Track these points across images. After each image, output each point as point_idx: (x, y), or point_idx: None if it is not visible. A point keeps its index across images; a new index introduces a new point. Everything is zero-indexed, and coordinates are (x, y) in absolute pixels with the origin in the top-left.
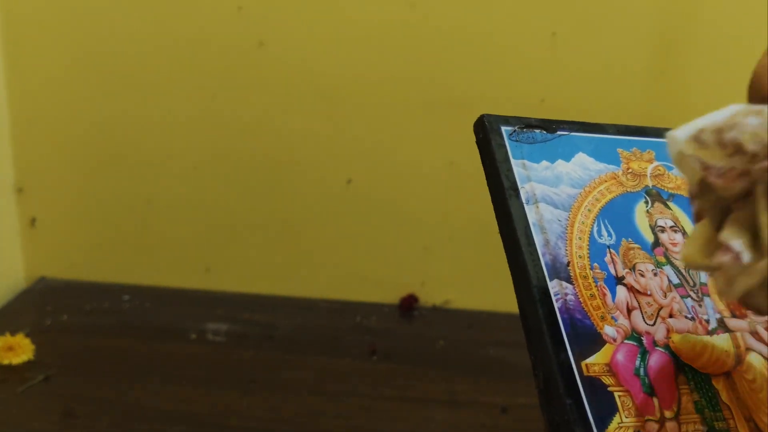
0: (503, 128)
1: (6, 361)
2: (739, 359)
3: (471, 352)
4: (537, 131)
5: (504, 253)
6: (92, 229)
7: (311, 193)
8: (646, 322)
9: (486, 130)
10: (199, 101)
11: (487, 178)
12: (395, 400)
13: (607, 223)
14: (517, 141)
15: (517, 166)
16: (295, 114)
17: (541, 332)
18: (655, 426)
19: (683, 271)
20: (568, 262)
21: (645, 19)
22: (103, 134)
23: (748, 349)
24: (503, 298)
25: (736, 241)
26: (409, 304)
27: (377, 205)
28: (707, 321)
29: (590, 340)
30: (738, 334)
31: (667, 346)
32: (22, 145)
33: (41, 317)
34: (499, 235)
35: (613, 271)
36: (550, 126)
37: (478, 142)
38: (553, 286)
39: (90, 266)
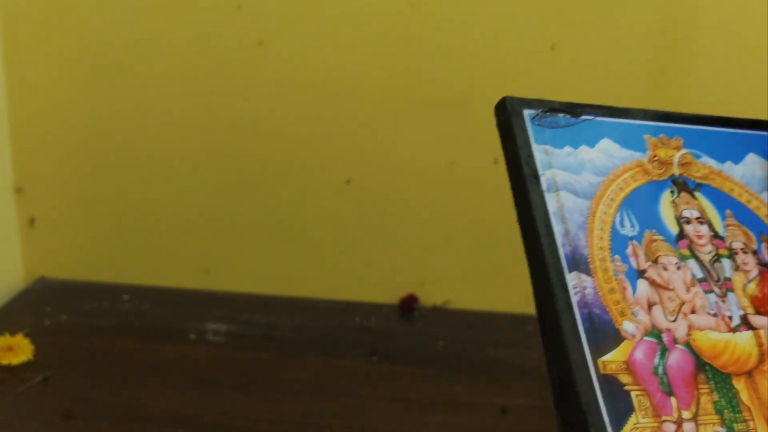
0: (525, 111)
1: (5, 362)
2: (762, 358)
3: (471, 352)
4: (561, 115)
5: (504, 254)
6: (91, 229)
7: (311, 193)
8: (667, 318)
9: (507, 113)
10: (198, 101)
11: (506, 164)
12: (395, 400)
13: (630, 213)
14: (539, 125)
15: (538, 151)
16: (295, 113)
17: (558, 327)
18: (672, 427)
19: (707, 264)
20: (589, 254)
21: (645, 20)
22: (102, 134)
23: None
24: (504, 299)
25: None
26: (409, 304)
27: (377, 205)
28: (730, 318)
29: (608, 336)
30: (762, 332)
31: (687, 344)
32: (22, 145)
33: (40, 317)
34: (500, 235)
35: (634, 264)
36: (574, 110)
37: (498, 125)
38: (572, 278)
39: (89, 266)
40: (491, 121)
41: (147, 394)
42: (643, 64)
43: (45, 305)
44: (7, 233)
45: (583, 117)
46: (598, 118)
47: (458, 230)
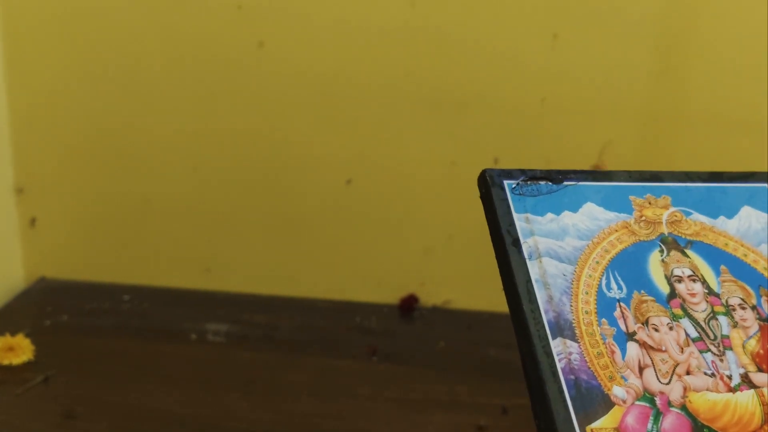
0: (506, 182)
1: (6, 362)
2: (767, 418)
3: (471, 352)
4: (542, 183)
5: None
6: (92, 229)
7: (311, 194)
8: (660, 381)
9: (488, 185)
10: (198, 101)
11: (490, 234)
12: (395, 400)
13: (617, 275)
14: (520, 194)
15: (520, 220)
16: (295, 114)
17: (544, 395)
18: None
19: (702, 323)
20: (574, 319)
21: (646, 19)
22: (102, 134)
23: None
24: (503, 299)
25: None
26: (409, 304)
27: (377, 205)
28: (729, 377)
29: (597, 402)
30: (765, 390)
31: (683, 407)
32: (22, 145)
33: (41, 318)
34: None
35: (623, 327)
36: (556, 177)
37: (481, 197)
38: (556, 345)
39: (90, 266)
40: (491, 121)
41: (147, 394)
42: (645, 52)
43: (45, 305)
44: (8, 233)
45: (565, 183)
46: (581, 183)
47: (458, 230)
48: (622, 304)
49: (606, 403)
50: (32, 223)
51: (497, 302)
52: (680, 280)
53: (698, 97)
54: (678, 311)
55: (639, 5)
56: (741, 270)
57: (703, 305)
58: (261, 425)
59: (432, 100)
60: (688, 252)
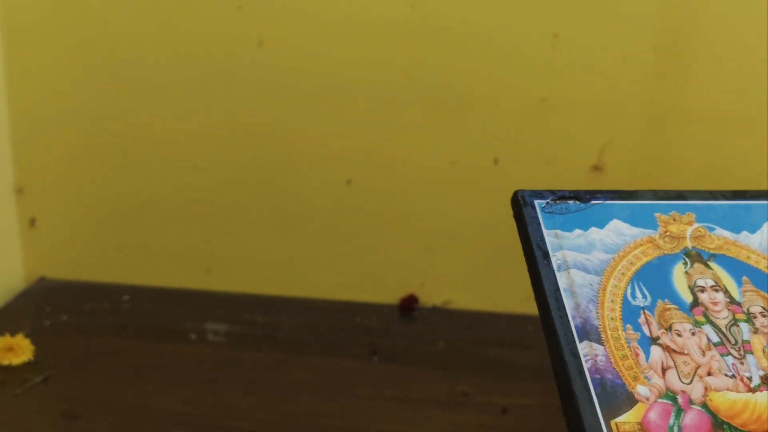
0: (536, 201)
1: (5, 362)
2: None
3: (471, 352)
4: (570, 202)
5: (504, 254)
6: (92, 229)
7: (311, 194)
8: (682, 381)
9: (519, 205)
10: (198, 101)
11: (522, 249)
12: (395, 400)
13: (641, 285)
14: (550, 212)
15: (549, 236)
16: (295, 114)
17: (571, 391)
18: None
19: (724, 329)
20: (600, 325)
21: (646, 18)
22: (103, 134)
23: None
24: (504, 299)
25: None
26: (409, 304)
27: (377, 205)
28: (749, 378)
29: (621, 399)
30: None
31: (704, 405)
32: (22, 145)
33: (41, 318)
34: (500, 235)
35: (647, 332)
36: (584, 196)
37: (514, 216)
38: (583, 347)
39: (90, 266)
40: (491, 121)
41: (147, 394)
42: (646, 51)
43: (45, 305)
44: (8, 233)
45: (593, 202)
46: (607, 202)
47: (458, 230)
48: (646, 311)
49: (630, 400)
50: (32, 223)
51: (497, 302)
52: (703, 290)
53: (699, 96)
54: (700, 318)
55: (639, 5)
56: (763, 281)
57: (725, 313)
58: (261, 425)
59: (432, 100)
60: (711, 264)
